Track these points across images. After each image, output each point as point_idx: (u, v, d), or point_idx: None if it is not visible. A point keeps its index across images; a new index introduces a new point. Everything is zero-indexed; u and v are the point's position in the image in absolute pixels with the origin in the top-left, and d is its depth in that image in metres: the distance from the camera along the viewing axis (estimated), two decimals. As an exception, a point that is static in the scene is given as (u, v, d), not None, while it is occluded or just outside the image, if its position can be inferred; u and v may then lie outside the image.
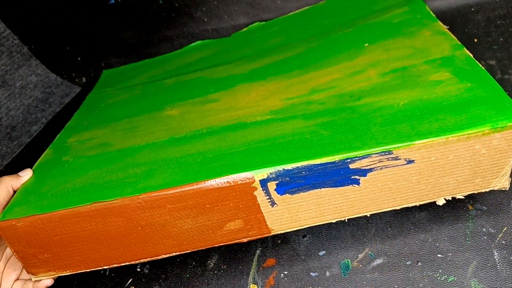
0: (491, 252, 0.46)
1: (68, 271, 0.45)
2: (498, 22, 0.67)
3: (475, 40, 0.66)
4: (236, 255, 0.53)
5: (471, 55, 0.46)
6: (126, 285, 0.53)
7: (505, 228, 0.47)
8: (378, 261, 0.49)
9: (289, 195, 0.41)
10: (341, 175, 0.40)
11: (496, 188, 0.44)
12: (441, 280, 0.45)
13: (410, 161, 0.39)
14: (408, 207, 0.51)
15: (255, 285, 0.51)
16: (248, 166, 0.40)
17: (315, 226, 0.53)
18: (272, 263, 0.51)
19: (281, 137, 0.43)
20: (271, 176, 0.39)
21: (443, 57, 0.47)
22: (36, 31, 0.88)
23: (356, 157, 0.39)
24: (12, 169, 0.79)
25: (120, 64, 0.91)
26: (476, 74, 0.43)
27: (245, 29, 0.73)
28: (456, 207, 0.50)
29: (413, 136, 0.38)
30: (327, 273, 0.49)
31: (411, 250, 0.48)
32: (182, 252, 0.45)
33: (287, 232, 0.53)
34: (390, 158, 0.39)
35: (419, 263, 0.47)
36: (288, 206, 0.42)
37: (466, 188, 0.43)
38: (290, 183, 0.40)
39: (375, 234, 0.50)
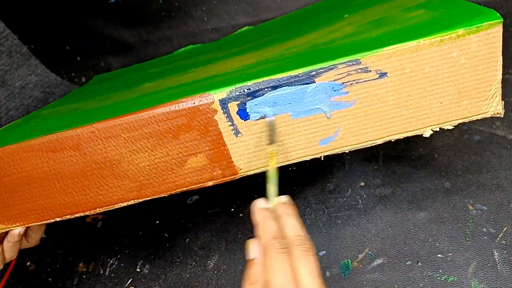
0: (491, 252, 0.46)
1: (18, 224, 0.41)
2: (498, 21, 0.67)
3: (475, 39, 0.66)
4: (236, 255, 0.53)
5: None
6: (126, 285, 0.53)
7: (505, 228, 0.47)
8: (378, 261, 0.48)
9: (254, 121, 0.38)
10: (308, 96, 0.37)
11: (489, 115, 0.39)
12: (441, 280, 0.45)
13: (382, 74, 0.36)
14: (408, 207, 0.51)
15: (255, 285, 0.51)
16: (207, 88, 0.37)
17: (315, 226, 0.53)
18: (272, 263, 0.51)
19: (247, 67, 0.40)
20: (231, 94, 0.37)
21: (419, 4, 0.44)
22: (36, 30, 0.88)
23: (321, 68, 0.36)
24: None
25: (120, 63, 0.91)
26: (451, 3, 0.40)
27: (234, 33, 0.73)
28: (456, 207, 0.50)
29: (382, 45, 0.36)
30: (327, 273, 0.49)
31: (411, 250, 0.48)
32: (141, 200, 0.40)
33: (287, 232, 0.53)
34: (359, 70, 0.36)
35: (419, 263, 0.47)
36: (254, 136, 0.39)
37: (453, 114, 0.39)
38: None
39: (375, 234, 0.50)
